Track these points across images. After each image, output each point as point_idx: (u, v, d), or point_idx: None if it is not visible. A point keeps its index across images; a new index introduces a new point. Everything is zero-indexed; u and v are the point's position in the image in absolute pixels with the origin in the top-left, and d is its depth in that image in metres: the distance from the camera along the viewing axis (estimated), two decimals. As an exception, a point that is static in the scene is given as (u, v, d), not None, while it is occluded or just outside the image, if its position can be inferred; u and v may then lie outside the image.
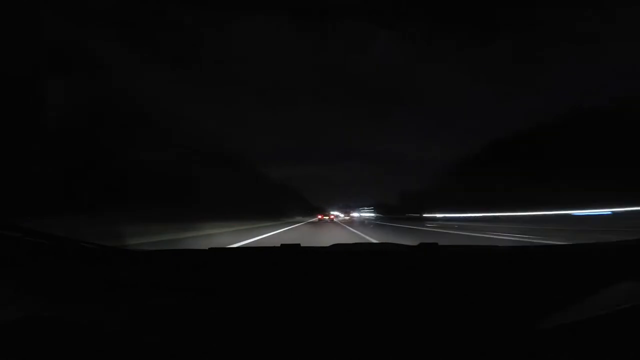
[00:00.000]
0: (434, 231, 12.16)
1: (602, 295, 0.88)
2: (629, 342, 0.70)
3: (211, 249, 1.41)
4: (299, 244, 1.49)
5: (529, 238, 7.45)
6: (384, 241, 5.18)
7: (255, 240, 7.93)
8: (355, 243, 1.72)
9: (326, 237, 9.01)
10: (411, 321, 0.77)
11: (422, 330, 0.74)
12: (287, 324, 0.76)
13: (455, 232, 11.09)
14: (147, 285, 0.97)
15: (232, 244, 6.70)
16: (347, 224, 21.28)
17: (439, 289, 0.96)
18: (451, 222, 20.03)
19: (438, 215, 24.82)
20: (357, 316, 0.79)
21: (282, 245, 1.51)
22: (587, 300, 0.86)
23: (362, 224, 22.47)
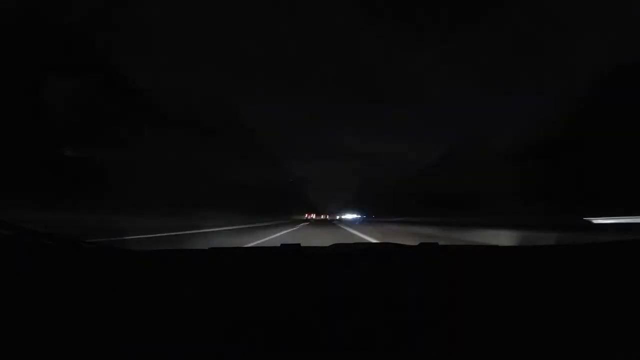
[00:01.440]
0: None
1: (602, 294, 0.88)
2: (628, 342, 0.71)
3: (212, 248, 1.40)
4: (299, 244, 1.49)
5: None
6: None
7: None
8: (355, 243, 1.73)
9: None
10: (411, 320, 0.78)
11: (422, 329, 0.74)
12: (287, 323, 0.76)
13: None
14: (148, 285, 0.96)
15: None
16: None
17: (439, 287, 0.97)
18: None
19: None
20: (358, 316, 0.79)
21: (282, 245, 1.51)
22: (587, 299, 0.86)
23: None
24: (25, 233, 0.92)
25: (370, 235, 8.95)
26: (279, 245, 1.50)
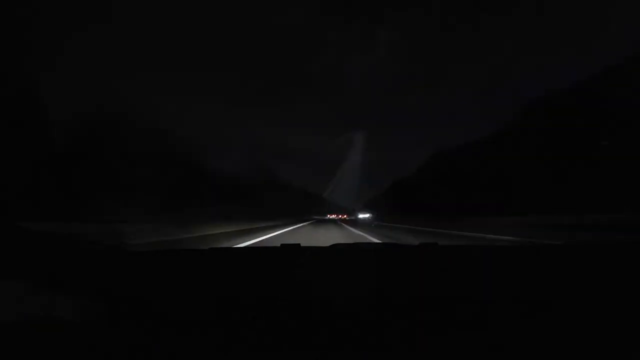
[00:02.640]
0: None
1: (601, 293, 0.88)
2: (627, 342, 0.70)
3: (211, 248, 1.42)
4: (299, 244, 1.50)
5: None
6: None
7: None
8: (355, 243, 1.72)
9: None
10: (411, 319, 0.78)
11: (422, 328, 0.74)
12: (287, 323, 0.77)
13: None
14: (147, 285, 0.97)
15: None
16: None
17: (439, 287, 0.96)
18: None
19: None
20: (358, 315, 0.79)
21: (282, 245, 1.52)
22: (585, 298, 0.86)
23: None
24: (29, 233, 0.94)
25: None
26: (279, 245, 1.51)
